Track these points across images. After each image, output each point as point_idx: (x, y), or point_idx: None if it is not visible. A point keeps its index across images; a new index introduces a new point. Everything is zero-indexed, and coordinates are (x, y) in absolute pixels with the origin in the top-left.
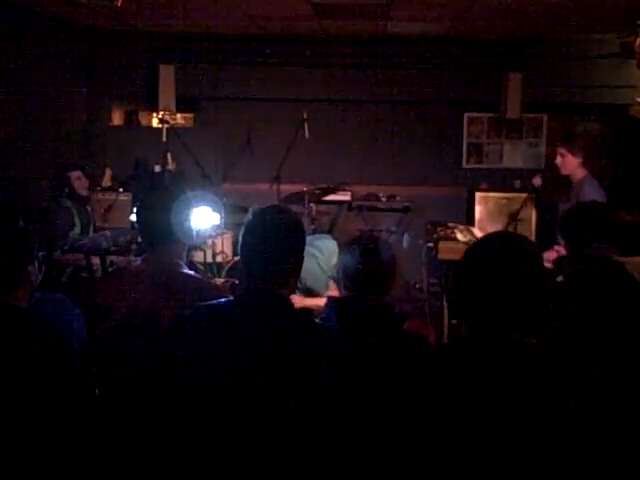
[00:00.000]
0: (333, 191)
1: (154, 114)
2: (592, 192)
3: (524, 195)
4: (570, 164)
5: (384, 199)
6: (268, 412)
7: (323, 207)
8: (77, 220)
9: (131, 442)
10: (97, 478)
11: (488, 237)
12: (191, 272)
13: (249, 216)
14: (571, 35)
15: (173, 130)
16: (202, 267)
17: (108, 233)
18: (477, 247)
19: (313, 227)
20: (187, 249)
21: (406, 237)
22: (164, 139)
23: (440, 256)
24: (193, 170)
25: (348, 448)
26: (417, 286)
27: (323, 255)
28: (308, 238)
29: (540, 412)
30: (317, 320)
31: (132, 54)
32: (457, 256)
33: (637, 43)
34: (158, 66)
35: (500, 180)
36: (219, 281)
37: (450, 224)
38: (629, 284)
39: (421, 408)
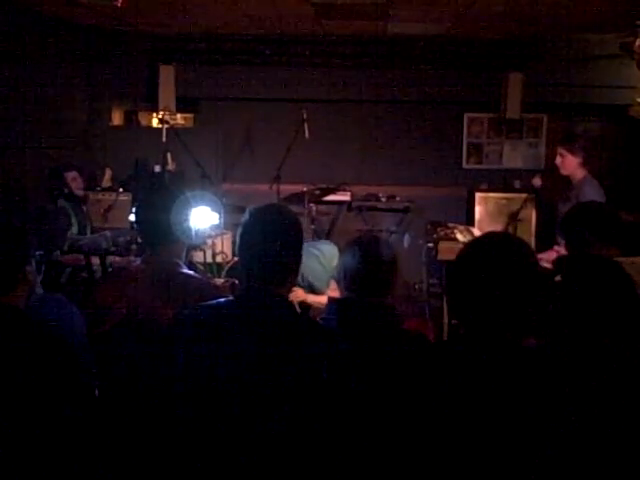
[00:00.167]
0: (333, 191)
1: (154, 114)
2: (592, 192)
3: (524, 195)
4: (570, 164)
5: (384, 199)
6: (268, 412)
7: (323, 207)
8: (74, 220)
9: (131, 442)
10: (97, 478)
11: (481, 238)
12: (191, 272)
13: (246, 216)
14: (571, 35)
15: (173, 130)
16: (202, 267)
17: (108, 233)
18: (470, 248)
19: (313, 227)
20: (187, 249)
21: (407, 237)
22: (164, 139)
23: (440, 256)
24: (193, 170)
25: (349, 447)
26: (417, 286)
27: (324, 256)
28: (309, 242)
29: (535, 411)
30: (318, 320)
31: (132, 54)
32: None
33: (637, 43)
34: (158, 66)
35: (500, 180)
36: (219, 281)
37: (450, 224)
38: (626, 284)
39: (419, 407)
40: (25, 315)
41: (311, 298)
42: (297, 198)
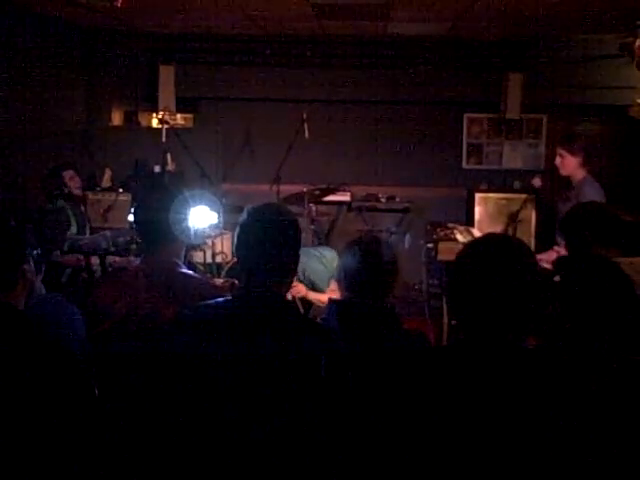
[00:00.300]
0: (333, 191)
1: (154, 114)
2: (592, 193)
3: (524, 196)
4: (569, 165)
5: (384, 200)
6: (267, 411)
7: (323, 207)
8: (73, 220)
9: (131, 442)
10: (96, 478)
11: (480, 239)
12: (190, 272)
13: (244, 215)
14: (571, 36)
15: (173, 130)
16: (202, 267)
17: (108, 233)
18: (469, 249)
19: (313, 227)
20: (186, 249)
21: (408, 237)
22: (164, 139)
23: (440, 257)
24: (193, 170)
25: (347, 447)
26: (417, 287)
27: (325, 258)
28: (310, 248)
29: (537, 412)
30: (319, 319)
31: (132, 54)
32: None
33: (637, 44)
34: (158, 66)
35: (500, 181)
36: (219, 281)
37: (450, 225)
38: (624, 284)
39: (422, 408)
40: (24, 315)
41: (312, 295)
42: (297, 198)
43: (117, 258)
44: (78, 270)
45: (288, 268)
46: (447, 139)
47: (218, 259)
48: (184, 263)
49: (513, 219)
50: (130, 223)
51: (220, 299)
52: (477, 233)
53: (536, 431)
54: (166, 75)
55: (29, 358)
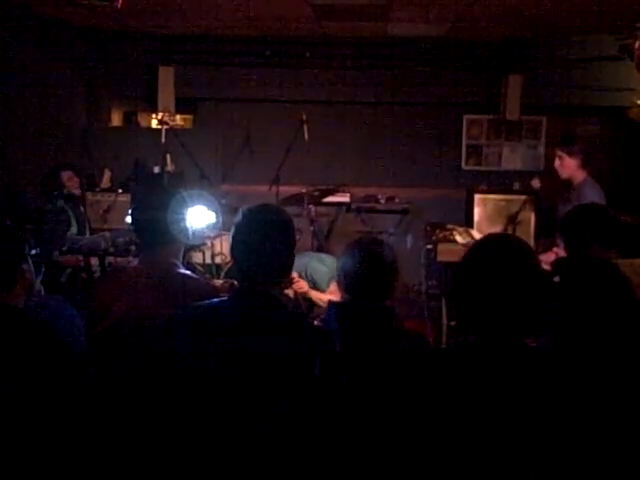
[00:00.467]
0: (332, 192)
1: (153, 115)
2: (592, 194)
3: (523, 197)
4: (568, 166)
5: (383, 201)
6: (260, 410)
7: (322, 209)
8: (73, 221)
9: (129, 441)
10: (96, 478)
11: (486, 240)
12: (188, 272)
13: (239, 216)
14: (570, 37)
15: (172, 131)
16: (201, 268)
17: (107, 234)
18: (476, 250)
19: (312, 228)
20: (184, 249)
21: (410, 238)
22: (163, 140)
23: (439, 258)
24: (192, 171)
25: (345, 446)
26: (416, 288)
27: (326, 260)
28: (311, 252)
29: (546, 413)
30: (317, 322)
31: (131, 55)
32: (456, 258)
33: (636, 45)
34: (157, 67)
35: (499, 182)
36: (218, 282)
37: (449, 226)
38: (622, 286)
39: (428, 411)
40: (24, 314)
41: (314, 293)
42: (296, 199)
43: (117, 259)
44: (77, 270)
45: (283, 268)
46: (446, 140)
47: (217, 260)
48: (183, 264)
49: (512, 220)
50: (128, 224)
51: (215, 299)
52: (476, 234)
53: (549, 430)
54: (166, 76)
55: (28, 357)
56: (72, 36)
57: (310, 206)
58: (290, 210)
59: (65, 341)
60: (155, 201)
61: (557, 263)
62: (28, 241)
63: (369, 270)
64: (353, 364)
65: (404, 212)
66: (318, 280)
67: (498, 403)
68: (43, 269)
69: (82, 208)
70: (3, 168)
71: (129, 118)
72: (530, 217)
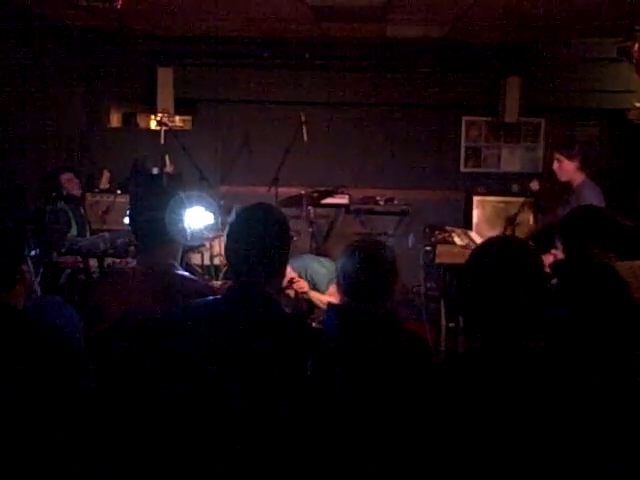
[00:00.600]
0: (331, 194)
1: (152, 116)
2: (591, 196)
3: (522, 199)
4: (567, 169)
5: (382, 202)
6: (254, 408)
7: (321, 210)
8: (73, 222)
9: (129, 441)
10: (95, 477)
11: (490, 243)
12: (186, 273)
13: (233, 216)
14: (569, 40)
15: (171, 132)
16: (200, 269)
17: (106, 235)
18: (480, 254)
19: (311, 230)
20: (182, 250)
21: (412, 237)
22: (162, 141)
23: (438, 260)
24: (191, 172)
25: (343, 446)
26: (414, 290)
27: (325, 263)
28: (311, 255)
29: (546, 413)
30: (316, 324)
31: (131, 56)
32: (455, 260)
33: (635, 48)
34: (157, 68)
35: (498, 184)
36: (217, 283)
37: (448, 228)
38: (620, 288)
39: (428, 412)
40: (24, 315)
41: (314, 294)
42: (295, 201)
43: (115, 260)
44: (76, 271)
45: (275, 268)
46: (445, 142)
47: (216, 261)
48: (181, 265)
49: (511, 222)
50: (127, 224)
51: (210, 298)
52: (475, 236)
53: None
54: (165, 77)
55: (28, 358)
56: (71, 37)
57: (309, 207)
58: (289, 211)
59: (64, 342)
60: (153, 202)
61: (555, 265)
62: (28, 242)
63: (368, 272)
64: (348, 363)
65: (403, 214)
66: (318, 282)
67: (504, 406)
68: (41, 270)
69: (82, 209)
70: (3, 169)
71: (128, 119)
72: (529, 219)
